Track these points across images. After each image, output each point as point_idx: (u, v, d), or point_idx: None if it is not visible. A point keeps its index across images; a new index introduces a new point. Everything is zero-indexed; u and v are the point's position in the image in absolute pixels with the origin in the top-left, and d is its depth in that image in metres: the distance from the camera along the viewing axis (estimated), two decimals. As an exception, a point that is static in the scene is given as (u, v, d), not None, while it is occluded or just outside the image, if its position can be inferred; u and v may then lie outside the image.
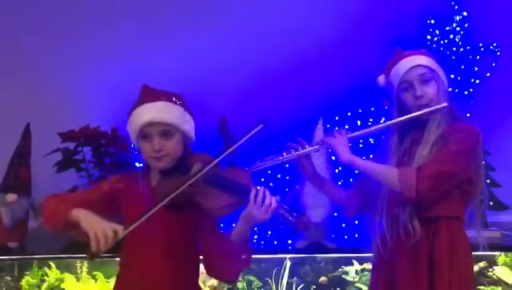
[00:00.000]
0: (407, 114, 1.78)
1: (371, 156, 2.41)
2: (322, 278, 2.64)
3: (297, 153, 1.80)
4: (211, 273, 1.74)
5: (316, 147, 1.81)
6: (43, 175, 2.68)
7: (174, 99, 1.72)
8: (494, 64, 2.75)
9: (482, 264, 2.65)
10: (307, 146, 1.81)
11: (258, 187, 1.62)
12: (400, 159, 1.78)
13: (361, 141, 2.58)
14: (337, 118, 2.72)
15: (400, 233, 1.73)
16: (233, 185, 1.66)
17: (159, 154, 1.67)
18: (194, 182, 1.63)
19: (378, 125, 1.82)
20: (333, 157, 2.50)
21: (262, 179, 2.66)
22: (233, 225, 1.67)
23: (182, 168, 1.69)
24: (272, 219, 1.66)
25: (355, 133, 1.81)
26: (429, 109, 1.75)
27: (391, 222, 1.75)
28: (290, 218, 1.63)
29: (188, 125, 1.71)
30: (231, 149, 1.63)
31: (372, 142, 2.58)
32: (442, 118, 1.75)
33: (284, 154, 1.79)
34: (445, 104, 1.74)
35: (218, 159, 1.64)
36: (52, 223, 1.64)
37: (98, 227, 1.50)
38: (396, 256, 1.76)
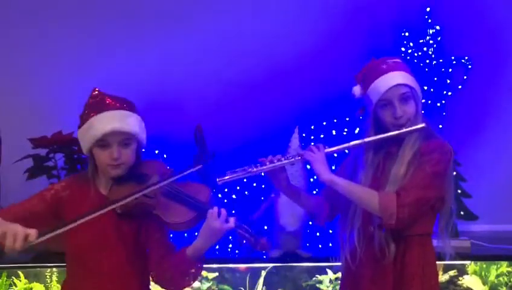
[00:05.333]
0: (383, 130, 1.79)
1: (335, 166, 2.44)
2: None
3: (271, 165, 1.77)
4: (159, 284, 1.74)
5: (292, 160, 1.79)
6: (12, 182, 2.62)
7: (132, 107, 1.71)
8: (465, 77, 2.81)
9: (452, 273, 2.69)
10: (282, 158, 1.79)
11: (215, 208, 1.64)
12: (374, 175, 1.79)
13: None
14: (312, 127, 2.73)
15: (371, 250, 1.75)
16: (194, 201, 1.67)
17: (116, 163, 1.65)
18: (151, 194, 1.64)
19: (356, 141, 1.81)
20: (308, 166, 2.52)
21: (238, 187, 2.65)
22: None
23: (134, 176, 1.69)
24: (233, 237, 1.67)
25: (333, 149, 1.80)
26: (408, 129, 1.76)
27: (363, 237, 1.77)
28: (248, 236, 1.65)
29: (143, 133, 1.72)
30: (172, 179, 1.65)
31: (347, 152, 2.60)
32: (417, 136, 1.76)
33: (258, 166, 1.77)
34: (423, 125, 1.76)
35: (176, 177, 1.65)
36: None
37: (8, 228, 1.48)
38: (364, 270, 1.77)
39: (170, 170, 1.72)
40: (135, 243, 1.70)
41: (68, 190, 1.70)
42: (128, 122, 1.66)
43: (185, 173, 1.66)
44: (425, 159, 1.72)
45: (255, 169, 1.76)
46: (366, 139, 1.80)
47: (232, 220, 1.64)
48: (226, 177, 1.75)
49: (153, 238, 1.71)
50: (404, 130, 1.76)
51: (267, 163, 1.78)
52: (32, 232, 1.48)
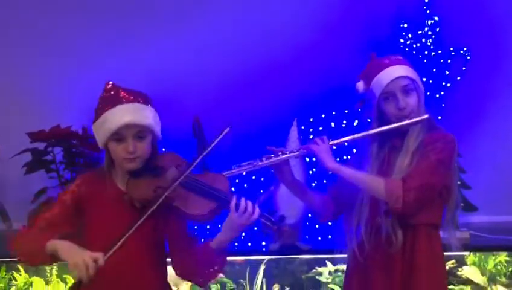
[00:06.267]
0: (387, 123, 1.80)
1: (345, 157, 2.44)
2: (275, 285, 2.67)
3: (277, 158, 1.77)
4: (182, 276, 1.74)
5: (297, 153, 1.80)
6: (11, 176, 2.62)
7: (146, 100, 1.71)
8: (464, 68, 2.81)
9: (451, 264, 2.70)
10: (287, 152, 1.79)
11: (242, 200, 1.62)
12: (380, 167, 1.80)
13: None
14: (311, 119, 2.73)
15: (379, 240, 1.75)
16: (213, 191, 1.66)
17: (132, 156, 1.65)
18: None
19: (360, 134, 1.82)
20: (307, 159, 2.52)
21: (237, 181, 2.65)
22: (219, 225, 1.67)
23: (150, 168, 1.68)
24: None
25: (337, 141, 1.81)
26: (411, 121, 1.77)
27: (371, 229, 1.77)
28: (272, 226, 1.64)
29: (158, 126, 1.71)
30: (203, 154, 1.65)
31: (346, 144, 2.60)
32: (421, 128, 1.78)
33: (264, 159, 1.77)
34: (426, 116, 1.78)
35: (193, 165, 1.64)
36: (32, 263, 1.62)
37: (77, 257, 1.49)
38: (372, 261, 1.78)
39: (185, 161, 1.71)
40: (154, 237, 1.69)
41: (84, 186, 1.69)
42: (143, 115, 1.65)
43: (215, 143, 1.66)
44: (429, 148, 1.73)
45: (260, 163, 1.76)
46: (370, 132, 1.81)
47: (257, 210, 1.62)
48: (233, 171, 1.75)
49: (174, 232, 1.71)
50: (408, 121, 1.77)
51: (272, 156, 1.78)
52: (99, 255, 1.51)
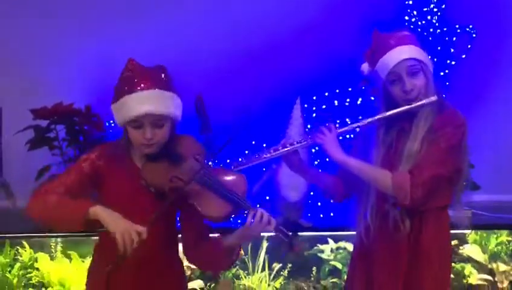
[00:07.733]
0: (394, 105, 1.77)
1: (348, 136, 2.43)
2: (275, 264, 2.68)
3: (284, 150, 1.78)
4: (194, 264, 1.79)
5: (304, 143, 1.80)
6: (14, 153, 2.62)
7: (167, 84, 1.67)
8: (469, 46, 2.78)
9: (452, 242, 2.71)
10: (294, 142, 1.80)
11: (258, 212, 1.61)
12: (387, 152, 1.78)
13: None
14: (314, 98, 2.72)
15: (385, 225, 1.75)
16: (231, 195, 1.63)
17: (149, 142, 1.65)
18: (186, 180, 1.61)
19: (367, 120, 1.80)
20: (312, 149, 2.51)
21: (240, 159, 2.65)
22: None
23: (168, 155, 1.67)
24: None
25: (344, 128, 1.80)
26: (419, 103, 1.74)
27: (377, 213, 1.77)
28: (284, 239, 1.64)
29: (178, 110, 1.69)
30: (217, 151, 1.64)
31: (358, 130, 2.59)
32: (430, 110, 1.74)
33: (271, 151, 1.77)
34: (434, 98, 1.74)
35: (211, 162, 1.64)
36: (68, 227, 1.60)
37: (123, 228, 1.49)
38: (378, 243, 1.78)
39: (203, 150, 1.70)
40: (166, 220, 1.70)
41: (103, 159, 1.68)
42: (162, 103, 1.63)
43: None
44: (438, 134, 1.70)
45: (268, 155, 1.78)
46: (377, 117, 1.78)
47: (273, 222, 1.62)
48: (240, 165, 1.75)
49: (189, 222, 1.72)
50: (415, 104, 1.74)
51: (280, 148, 1.78)
52: (144, 229, 1.50)
